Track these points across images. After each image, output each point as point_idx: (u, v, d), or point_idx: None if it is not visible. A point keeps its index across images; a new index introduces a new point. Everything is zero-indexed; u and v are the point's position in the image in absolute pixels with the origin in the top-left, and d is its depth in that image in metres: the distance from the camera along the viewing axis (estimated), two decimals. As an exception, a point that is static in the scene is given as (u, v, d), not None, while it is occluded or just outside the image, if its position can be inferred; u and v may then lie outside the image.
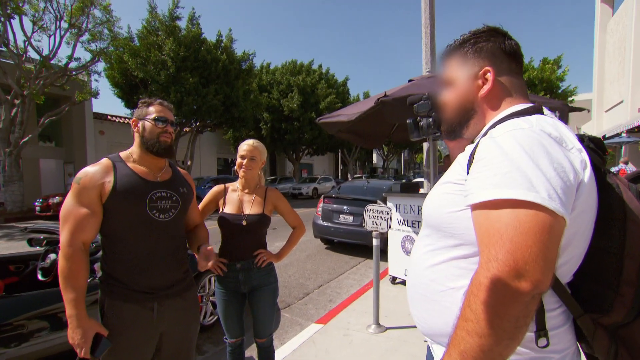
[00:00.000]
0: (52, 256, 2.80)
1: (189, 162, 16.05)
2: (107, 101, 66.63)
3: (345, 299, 4.00)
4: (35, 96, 11.37)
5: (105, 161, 1.43)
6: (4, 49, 11.26)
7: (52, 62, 12.08)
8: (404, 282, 4.46)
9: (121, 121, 19.00)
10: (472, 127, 0.87)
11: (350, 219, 6.09)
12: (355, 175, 29.00)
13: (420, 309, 0.86)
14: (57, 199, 12.00)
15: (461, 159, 0.83)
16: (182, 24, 14.67)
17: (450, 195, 0.80)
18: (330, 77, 23.35)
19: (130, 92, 14.87)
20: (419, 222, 4.03)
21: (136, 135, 1.50)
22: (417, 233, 4.00)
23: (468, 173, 0.75)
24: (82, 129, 16.94)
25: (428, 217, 0.86)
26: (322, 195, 6.73)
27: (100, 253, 1.43)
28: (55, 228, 2.91)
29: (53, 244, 2.98)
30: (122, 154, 1.49)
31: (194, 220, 1.72)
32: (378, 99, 3.05)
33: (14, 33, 11.35)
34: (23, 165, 12.04)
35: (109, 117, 18.83)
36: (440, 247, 0.82)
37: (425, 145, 4.05)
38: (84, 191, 1.34)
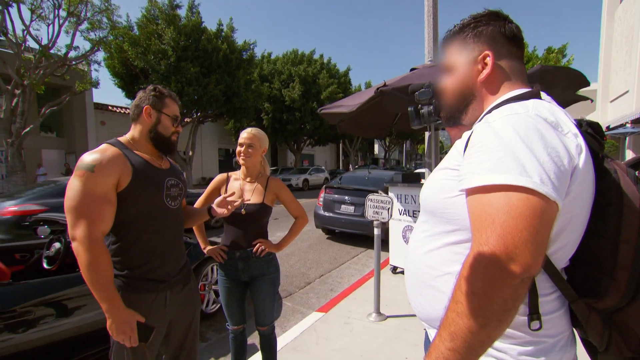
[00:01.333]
0: (57, 245, 2.84)
1: (190, 153, 16.05)
2: (107, 92, 66.39)
3: (346, 288, 4.04)
4: (35, 86, 11.34)
5: (110, 147, 1.37)
6: (2, 38, 11.18)
7: (52, 51, 12.00)
8: (404, 272, 4.50)
9: (122, 112, 18.94)
10: (471, 113, 0.86)
11: (351, 209, 6.11)
12: (356, 166, 28.96)
13: (417, 294, 0.86)
14: (59, 190, 12.06)
15: (458, 144, 0.83)
16: (182, 12, 14.50)
17: (446, 181, 0.80)
18: (332, 66, 23.15)
19: (130, 82, 14.80)
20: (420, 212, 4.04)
21: (143, 123, 1.45)
22: (418, 223, 4.05)
23: (462, 158, 0.75)
24: (83, 119, 16.94)
25: (425, 203, 0.87)
26: (324, 186, 6.74)
27: (108, 244, 1.40)
28: (60, 217, 2.94)
29: (57, 233, 3.03)
30: (122, 140, 1.45)
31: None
32: (377, 89, 3.03)
33: (12, 22, 11.27)
34: (25, 155, 12.09)
35: (110, 107, 18.78)
36: (437, 233, 0.82)
37: (427, 134, 4.04)
38: (100, 179, 1.27)
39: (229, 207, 1.57)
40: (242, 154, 1.91)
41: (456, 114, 0.88)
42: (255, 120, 21.52)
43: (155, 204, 1.40)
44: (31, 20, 11.68)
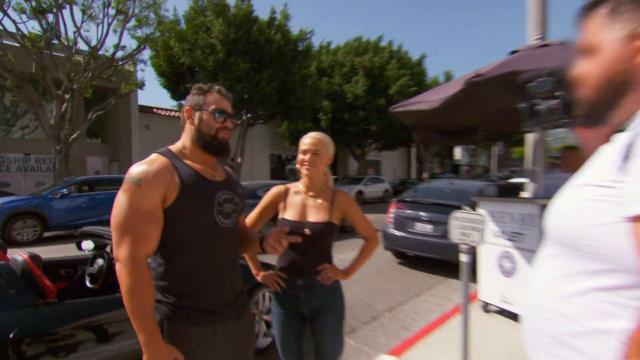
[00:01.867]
0: (100, 261, 3.10)
1: (239, 160, 16.81)
2: (152, 94, 72.71)
3: (423, 328, 3.89)
4: (83, 89, 12.83)
5: (160, 157, 1.42)
6: (56, 42, 12.84)
7: (99, 52, 13.52)
8: (501, 311, 4.20)
9: (167, 114, 20.50)
10: (626, 108, 0.76)
11: (429, 228, 5.98)
12: (426, 175, 28.10)
13: (545, 353, 0.78)
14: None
15: (608, 152, 0.74)
16: (232, 1, 15.36)
17: (592, 203, 0.72)
18: (403, 55, 22.92)
19: (176, 82, 16.01)
20: (522, 234, 3.76)
21: (189, 128, 1.52)
22: (518, 249, 3.77)
23: (621, 172, 0.67)
24: (128, 123, 18.67)
25: (558, 231, 0.78)
26: (395, 199, 6.66)
27: (154, 266, 1.45)
28: (105, 232, 3.20)
29: (101, 248, 3.32)
30: (174, 149, 1.50)
31: (243, 223, 1.77)
32: (469, 80, 2.89)
33: (65, 24, 12.92)
34: (71, 163, 13.58)
35: (155, 109, 20.45)
36: (577, 273, 0.74)
37: (532, 136, 3.75)
38: (146, 194, 1.32)
39: (283, 242, 1.54)
40: (306, 163, 1.92)
41: (602, 110, 0.78)
42: (312, 122, 21.92)
43: (205, 221, 1.42)
44: (82, 22, 13.29)
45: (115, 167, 18.94)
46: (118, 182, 10.73)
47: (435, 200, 6.10)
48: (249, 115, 16.68)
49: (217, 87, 1.53)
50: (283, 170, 27.40)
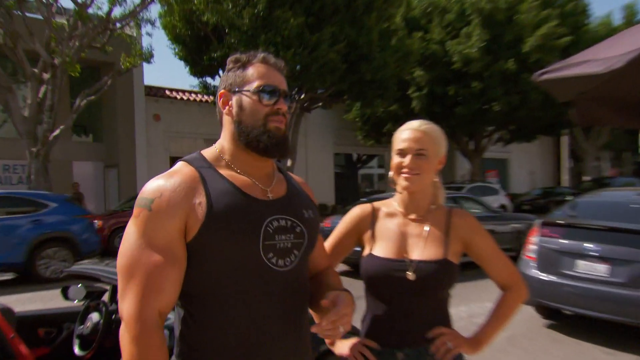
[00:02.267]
0: (94, 317, 3.22)
1: (288, 162, 17.08)
2: (163, 70, 76.70)
3: None
4: (69, 65, 13.67)
5: (184, 168, 1.50)
6: (30, -1, 13.90)
7: (89, 10, 14.33)
8: None
9: (185, 98, 21.45)
10: None
11: (602, 269, 5.79)
12: (599, 179, 26.73)
13: None
14: (96, 225, 14.08)
15: None
16: None
17: None
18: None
19: (197, 50, 16.63)
20: None
21: (227, 122, 1.59)
22: None
23: None
24: (130, 113, 19.81)
25: None
26: (540, 222, 6.55)
27: (174, 322, 1.50)
28: (103, 273, 3.34)
29: (96, 297, 3.43)
30: (207, 154, 1.57)
31: (318, 264, 1.81)
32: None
33: (41, -26, 13.88)
34: (52, 171, 14.47)
35: (168, 92, 21.48)
36: None
37: None
38: (160, 222, 1.40)
39: (337, 327, 1.46)
40: (406, 170, 1.95)
41: None
42: (398, 102, 21.81)
43: (247, 262, 1.46)
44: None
45: (112, 176, 20.07)
46: (24, 203, 10.80)
47: (612, 224, 5.92)
48: (302, 96, 16.95)
49: (261, 55, 1.59)
50: (353, 178, 27.44)
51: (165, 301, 1.38)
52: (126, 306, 1.36)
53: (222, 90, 1.58)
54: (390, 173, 1.99)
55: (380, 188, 29.45)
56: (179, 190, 1.43)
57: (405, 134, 1.95)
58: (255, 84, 1.54)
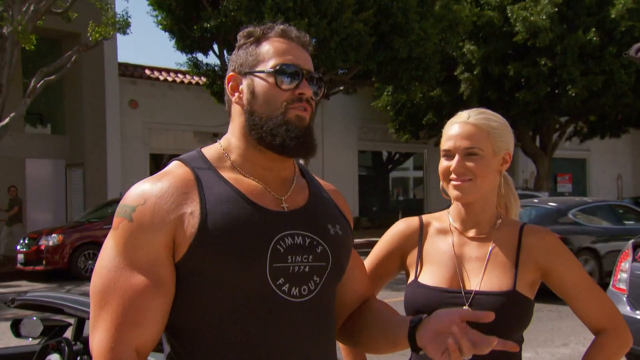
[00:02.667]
0: (55, 359, 3.19)
1: (301, 161, 17.08)
2: (141, 45, 77.24)
3: None
4: (22, 36, 13.76)
5: (178, 169, 1.52)
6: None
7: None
8: None
9: (170, 79, 21.56)
10: None
11: None
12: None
13: None
14: (54, 240, 14.20)
15: None
16: None
17: None
18: None
19: (186, 18, 16.84)
20: None
21: (236, 112, 1.60)
22: None
23: None
24: (99, 97, 19.91)
25: None
26: (631, 242, 6.51)
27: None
28: (63, 302, 3.31)
29: (56, 334, 3.41)
30: (209, 153, 1.60)
31: (357, 293, 1.82)
32: None
33: None
34: None
35: (147, 71, 21.60)
36: None
37: None
38: (142, 236, 1.41)
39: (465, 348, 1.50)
40: (454, 176, 1.97)
41: None
42: (442, 85, 21.70)
43: (249, 288, 1.46)
44: None
45: (77, 178, 20.17)
46: None
47: None
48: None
49: (280, 27, 1.61)
50: (383, 183, 27.35)
51: (145, 336, 1.37)
52: (96, 340, 1.36)
53: (231, 73, 1.59)
54: (441, 182, 2.01)
55: (418, 196, 29.40)
56: (166, 197, 1.44)
57: (452, 129, 1.97)
58: (271, 63, 1.54)
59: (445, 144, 1.97)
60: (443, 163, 1.97)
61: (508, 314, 1.87)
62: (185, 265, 1.42)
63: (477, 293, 1.90)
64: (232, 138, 1.60)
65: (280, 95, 1.52)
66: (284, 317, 1.48)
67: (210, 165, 1.55)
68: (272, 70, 1.52)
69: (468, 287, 1.93)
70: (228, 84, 1.60)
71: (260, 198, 1.53)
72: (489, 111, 2.01)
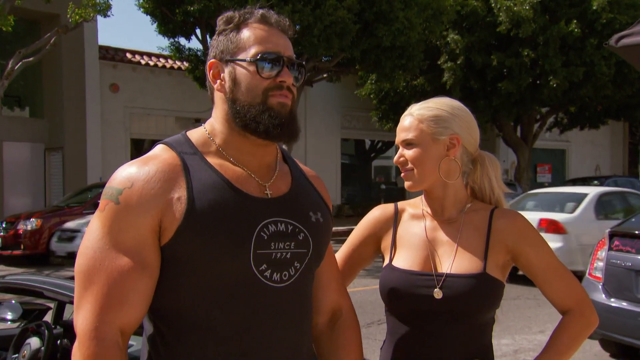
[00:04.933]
0: (34, 343, 3.16)
1: (285, 147, 17.10)
2: (122, 28, 76.61)
3: None
4: None
5: (164, 153, 1.54)
6: None
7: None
8: None
9: (152, 63, 21.42)
10: None
11: None
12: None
13: None
14: (32, 224, 14.12)
15: None
16: None
17: None
18: None
19: (168, 2, 16.70)
20: None
21: (219, 99, 1.62)
22: None
23: None
24: (79, 80, 19.73)
25: None
26: (607, 232, 6.56)
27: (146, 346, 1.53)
28: (43, 285, 3.29)
29: (35, 318, 3.40)
30: (194, 137, 1.62)
31: (326, 285, 1.85)
32: None
33: None
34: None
35: (128, 55, 21.46)
36: None
37: None
38: (129, 218, 1.43)
39: None
40: (400, 166, 2.03)
41: None
42: (425, 74, 21.72)
43: (232, 274, 1.49)
44: None
45: (56, 162, 20.04)
46: None
47: None
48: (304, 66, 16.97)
49: (259, 12, 1.62)
50: (366, 171, 27.41)
51: (129, 316, 1.40)
52: (81, 320, 1.38)
53: (212, 60, 1.61)
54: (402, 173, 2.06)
55: (400, 184, 29.43)
56: (154, 181, 1.46)
57: (401, 123, 2.04)
58: (252, 51, 1.55)
59: (398, 136, 2.05)
60: (398, 158, 2.03)
61: (479, 296, 1.90)
62: (171, 250, 1.44)
63: (448, 276, 1.92)
64: (216, 124, 1.62)
65: (262, 83, 1.54)
66: (265, 302, 1.51)
67: (196, 150, 1.57)
68: (253, 58, 1.54)
69: (440, 270, 1.94)
70: (209, 71, 1.61)
71: (245, 185, 1.55)
72: (435, 99, 2.05)
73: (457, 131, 2.00)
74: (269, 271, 1.52)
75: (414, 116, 2.02)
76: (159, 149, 1.56)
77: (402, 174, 2.02)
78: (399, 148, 2.05)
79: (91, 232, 1.45)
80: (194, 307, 1.47)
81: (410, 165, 1.98)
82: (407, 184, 2.02)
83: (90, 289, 1.39)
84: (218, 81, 1.59)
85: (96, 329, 1.35)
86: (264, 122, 1.53)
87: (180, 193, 1.46)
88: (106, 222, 1.43)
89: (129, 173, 1.47)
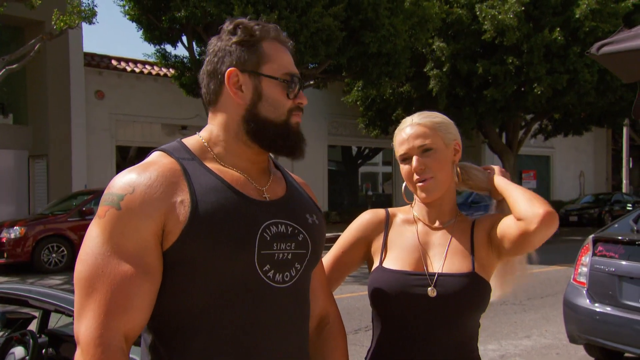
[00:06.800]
0: (18, 352, 3.16)
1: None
2: (108, 35, 76.36)
3: None
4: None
5: (163, 159, 1.55)
6: None
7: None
8: None
9: (137, 70, 21.36)
10: None
11: None
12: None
13: None
14: (16, 232, 14.00)
15: None
16: None
17: None
18: None
19: (154, 8, 16.66)
20: None
21: (232, 105, 1.62)
22: None
23: None
24: (64, 87, 19.63)
25: None
26: (591, 237, 6.57)
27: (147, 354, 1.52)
28: (27, 294, 3.26)
29: (20, 327, 3.38)
30: (190, 144, 1.63)
31: (314, 291, 1.84)
32: None
33: None
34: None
35: (114, 62, 21.37)
36: None
37: None
38: (131, 224, 1.43)
39: None
40: (418, 175, 2.01)
41: None
42: (412, 82, 21.80)
43: (237, 276, 1.50)
44: None
45: (40, 169, 19.90)
46: None
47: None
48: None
49: (272, 29, 1.66)
50: (352, 178, 27.42)
51: (133, 322, 1.40)
52: (84, 327, 1.37)
53: (232, 68, 1.58)
54: (405, 182, 2.05)
55: (387, 190, 29.53)
56: (155, 185, 1.46)
57: (403, 133, 2.04)
58: (280, 71, 1.60)
59: (400, 149, 2.04)
60: (404, 168, 2.03)
61: (469, 295, 1.94)
62: (175, 253, 1.45)
63: (440, 275, 1.94)
64: (219, 130, 1.63)
65: (287, 104, 1.60)
66: (268, 302, 1.53)
67: (193, 155, 1.58)
68: (283, 80, 1.60)
69: (431, 270, 1.97)
70: (228, 78, 1.59)
71: (244, 188, 1.57)
72: (427, 112, 2.09)
73: (457, 137, 2.08)
74: (272, 272, 1.54)
75: (423, 124, 2.03)
76: (156, 156, 1.57)
77: (420, 184, 2.00)
78: (405, 160, 2.03)
79: (91, 239, 1.44)
80: (199, 310, 1.47)
81: (429, 174, 1.98)
82: (425, 195, 2.00)
83: (92, 296, 1.38)
84: (239, 90, 1.59)
85: (101, 336, 1.35)
86: (282, 138, 1.61)
87: (183, 196, 1.47)
88: (107, 228, 1.43)
89: (130, 179, 1.48)
